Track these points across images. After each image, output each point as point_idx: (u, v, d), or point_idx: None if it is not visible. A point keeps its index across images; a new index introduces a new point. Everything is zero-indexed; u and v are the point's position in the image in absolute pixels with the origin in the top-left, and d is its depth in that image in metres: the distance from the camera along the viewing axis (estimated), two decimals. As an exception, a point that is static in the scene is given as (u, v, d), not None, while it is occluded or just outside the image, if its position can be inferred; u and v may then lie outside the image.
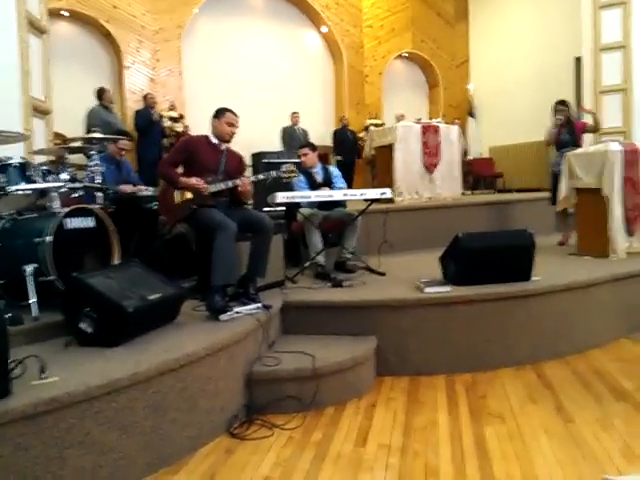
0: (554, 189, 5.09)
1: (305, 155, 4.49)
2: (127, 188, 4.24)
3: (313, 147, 4.59)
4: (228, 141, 3.46)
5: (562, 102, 5.30)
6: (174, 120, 8.25)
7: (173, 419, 2.29)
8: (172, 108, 8.34)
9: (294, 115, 8.92)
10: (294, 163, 3.80)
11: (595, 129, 5.32)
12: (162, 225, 4.11)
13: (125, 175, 4.52)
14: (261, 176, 3.46)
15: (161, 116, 7.93)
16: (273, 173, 3.52)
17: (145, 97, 7.96)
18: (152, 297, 2.69)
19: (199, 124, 7.85)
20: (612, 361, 3.26)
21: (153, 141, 7.65)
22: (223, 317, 2.91)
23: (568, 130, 5.16)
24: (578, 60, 8.26)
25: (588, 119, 5.50)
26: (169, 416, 2.28)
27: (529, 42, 9.84)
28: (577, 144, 5.11)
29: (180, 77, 8.70)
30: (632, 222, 4.41)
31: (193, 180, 3.26)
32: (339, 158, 9.11)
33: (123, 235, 3.42)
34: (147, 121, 7.59)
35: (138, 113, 7.78)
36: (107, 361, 2.28)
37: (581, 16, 7.57)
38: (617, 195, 4.32)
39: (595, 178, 4.45)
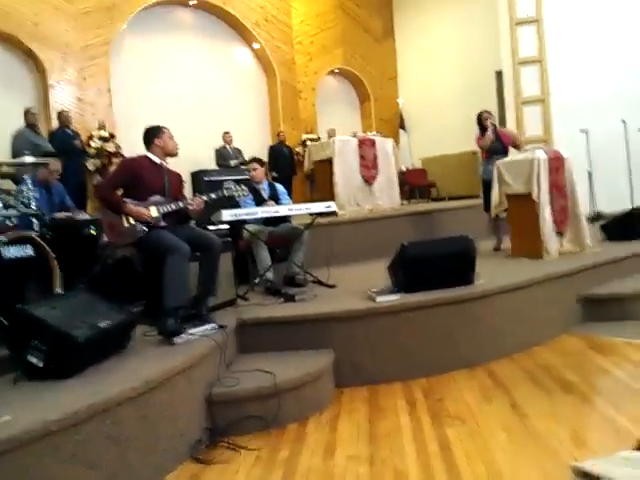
0: (485, 196, 5.33)
1: (255, 170, 4.49)
2: (62, 215, 4.07)
3: (261, 162, 4.60)
4: (176, 155, 3.42)
5: (486, 111, 5.40)
6: (104, 140, 7.97)
7: (136, 448, 2.20)
8: (102, 127, 8.05)
9: (226, 135, 8.73)
10: (239, 181, 3.80)
11: (519, 146, 5.47)
12: (102, 250, 3.97)
13: (58, 200, 4.33)
14: (213, 195, 3.44)
15: (78, 135, 7.33)
16: (225, 192, 3.50)
17: (59, 115, 7.25)
18: (102, 325, 2.58)
19: (131, 143, 7.64)
20: (556, 356, 3.44)
21: (74, 162, 6.76)
22: (177, 340, 2.84)
23: (496, 137, 5.28)
24: (499, 74, 8.74)
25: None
26: (131, 445, 2.19)
27: (453, 58, 10.29)
28: (505, 152, 5.29)
29: (109, 95, 8.41)
30: (560, 223, 4.70)
31: (141, 210, 3.17)
32: (274, 174, 8.79)
33: (63, 262, 3.27)
34: (63, 142, 6.80)
35: (54, 134, 7.03)
36: (61, 394, 2.17)
37: (499, 32, 8.05)
38: (545, 199, 4.61)
39: (524, 184, 4.72)
